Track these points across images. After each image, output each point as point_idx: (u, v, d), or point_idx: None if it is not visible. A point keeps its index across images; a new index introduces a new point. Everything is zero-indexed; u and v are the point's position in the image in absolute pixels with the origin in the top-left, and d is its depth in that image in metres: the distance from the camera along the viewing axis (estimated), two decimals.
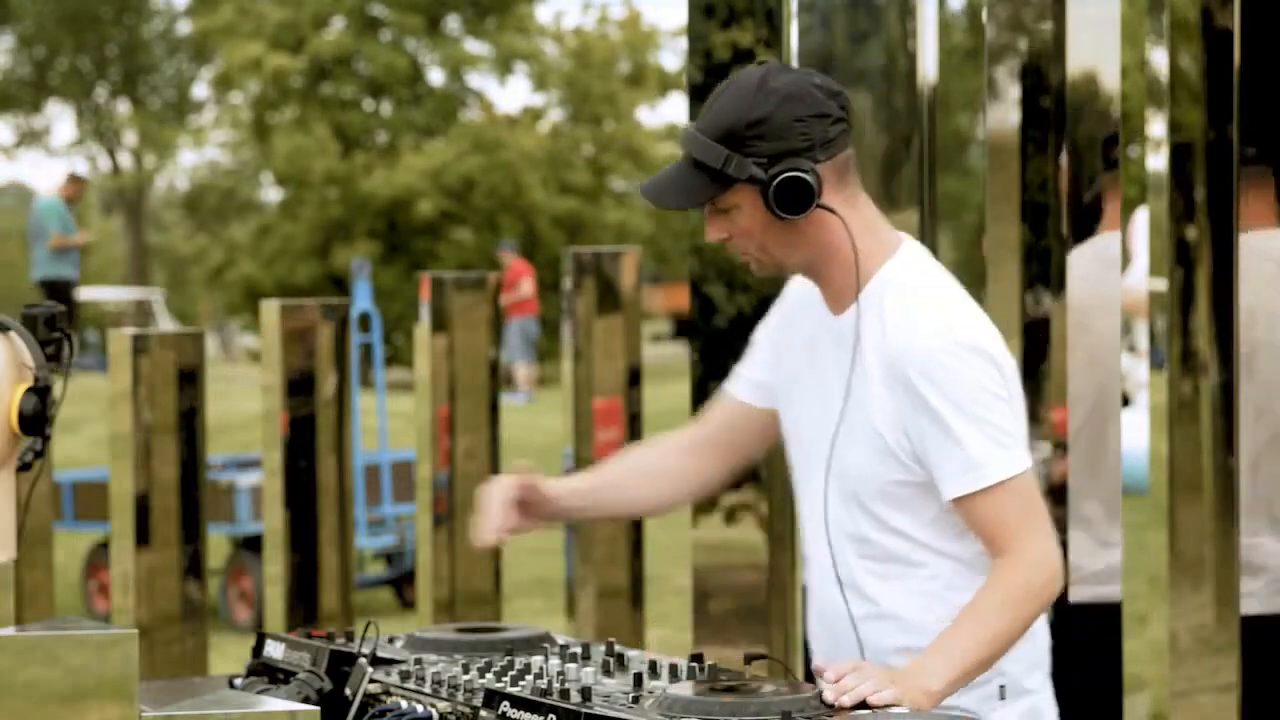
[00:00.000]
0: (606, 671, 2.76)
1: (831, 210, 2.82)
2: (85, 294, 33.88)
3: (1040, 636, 2.97)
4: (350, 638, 3.01)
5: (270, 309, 5.14)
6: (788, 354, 3.02)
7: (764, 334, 3.11)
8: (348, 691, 2.84)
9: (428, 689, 2.74)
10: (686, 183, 2.82)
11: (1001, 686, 2.87)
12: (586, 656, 2.86)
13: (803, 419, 2.96)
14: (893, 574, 2.88)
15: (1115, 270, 4.12)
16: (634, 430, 5.50)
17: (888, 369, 2.81)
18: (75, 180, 16.95)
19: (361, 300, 10.74)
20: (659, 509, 3.22)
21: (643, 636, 5.61)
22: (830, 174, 2.81)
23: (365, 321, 10.70)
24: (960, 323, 2.83)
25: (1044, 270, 4.07)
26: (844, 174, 2.85)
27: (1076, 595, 4.05)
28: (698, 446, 3.16)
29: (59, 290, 15.59)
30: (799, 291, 3.03)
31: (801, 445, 2.97)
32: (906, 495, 2.85)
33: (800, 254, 2.87)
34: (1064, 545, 4.08)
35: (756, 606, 4.39)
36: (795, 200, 2.78)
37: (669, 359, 25.04)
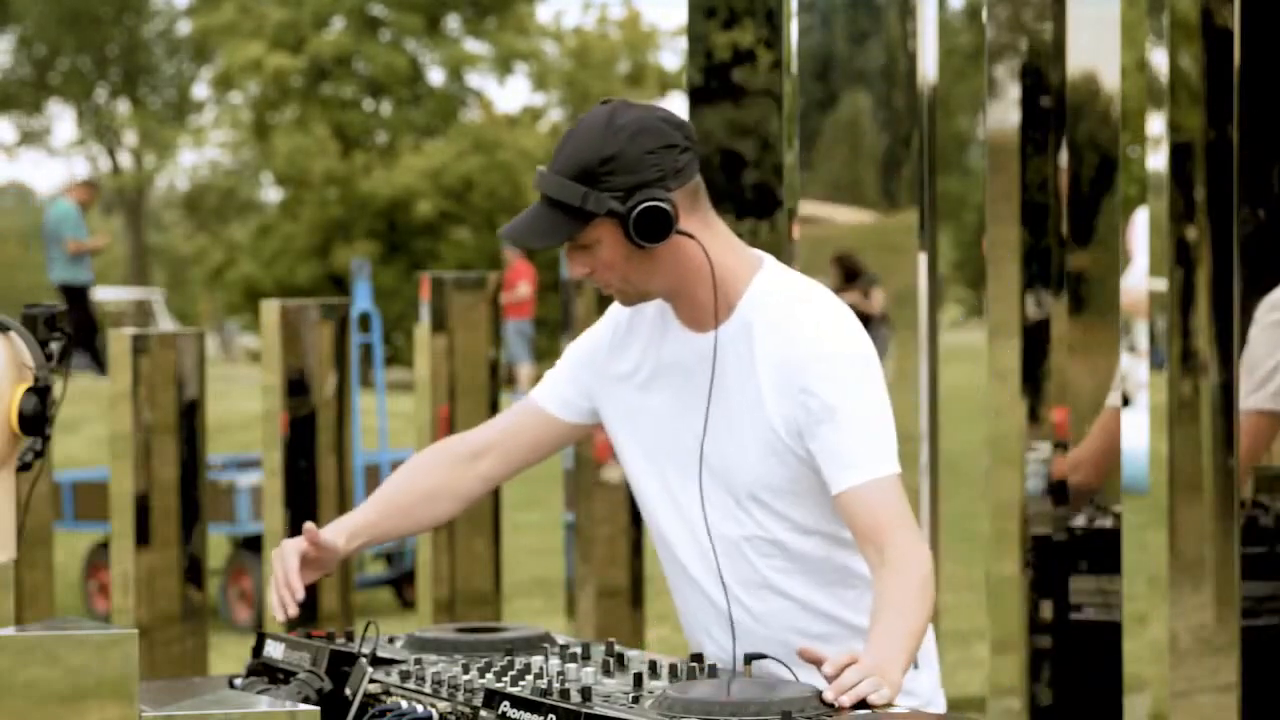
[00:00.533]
0: (606, 671, 2.76)
1: (689, 235, 2.92)
2: None
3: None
4: (350, 638, 3.01)
5: (270, 309, 5.14)
6: (621, 381, 3.10)
7: (580, 354, 3.19)
8: (348, 691, 2.84)
9: (428, 689, 2.74)
10: (546, 223, 2.92)
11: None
12: (586, 656, 2.86)
13: (674, 438, 3.02)
14: (799, 569, 2.99)
15: (1115, 270, 4.12)
16: None
17: (782, 374, 2.90)
18: (87, 185, 16.78)
19: (361, 300, 10.74)
20: (441, 523, 3.37)
21: (643, 636, 5.62)
22: (684, 200, 2.92)
23: (365, 321, 10.69)
24: (855, 333, 2.95)
25: (1044, 270, 4.07)
26: (696, 199, 2.95)
27: (1076, 596, 4.05)
28: (477, 453, 3.23)
29: (76, 294, 15.47)
30: (626, 315, 3.13)
31: (671, 462, 3.03)
32: (805, 490, 2.94)
33: (660, 280, 2.96)
34: (1064, 543, 4.09)
35: None
36: (654, 229, 2.88)
37: None
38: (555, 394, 3.19)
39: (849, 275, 4.46)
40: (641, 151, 2.87)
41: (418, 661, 2.86)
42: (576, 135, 2.92)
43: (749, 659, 2.85)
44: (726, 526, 2.99)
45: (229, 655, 7.15)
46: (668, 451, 3.04)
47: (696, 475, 2.99)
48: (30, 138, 44.01)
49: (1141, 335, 11.44)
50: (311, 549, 3.11)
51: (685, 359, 3.01)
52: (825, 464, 2.89)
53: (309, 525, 3.11)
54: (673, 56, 30.73)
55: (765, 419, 2.92)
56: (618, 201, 2.87)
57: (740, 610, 3.01)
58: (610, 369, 3.11)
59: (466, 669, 2.80)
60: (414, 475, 3.24)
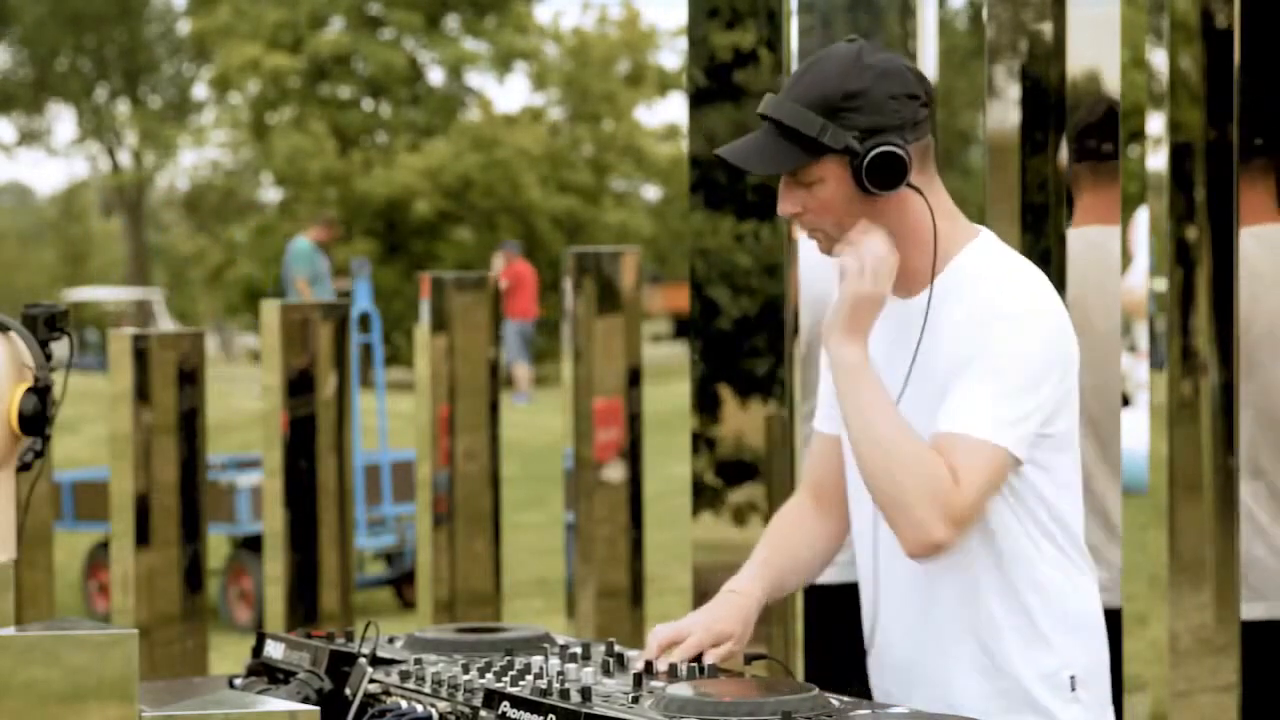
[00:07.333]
0: (606, 671, 2.76)
1: (918, 190, 2.81)
2: (85, 294, 33.99)
3: (1101, 641, 2.95)
4: (350, 638, 3.01)
5: (270, 309, 5.14)
6: None
7: (823, 356, 3.03)
8: (348, 691, 2.84)
9: (428, 689, 2.74)
10: (775, 149, 2.79)
11: (1072, 678, 2.86)
12: (586, 656, 2.86)
13: None
14: (953, 563, 2.83)
15: (1115, 270, 4.12)
16: (634, 430, 5.50)
17: (963, 342, 2.78)
18: (326, 224, 16.05)
19: (361, 300, 10.75)
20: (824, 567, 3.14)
21: (643, 636, 5.61)
22: (916, 155, 2.80)
23: (365, 321, 10.70)
24: (1046, 312, 2.82)
25: (1044, 270, 4.06)
26: (926, 158, 2.84)
27: None
28: (817, 498, 3.06)
29: None
30: None
31: None
32: None
33: None
34: None
35: None
36: (887, 176, 2.76)
37: (669, 359, 25.06)
38: (823, 414, 3.05)
39: None
40: (886, 94, 2.76)
41: (418, 661, 2.86)
42: (819, 66, 2.79)
43: (749, 659, 2.85)
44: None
45: (229, 655, 7.15)
46: None
47: None
48: (30, 138, 44.04)
49: (1142, 335, 11.44)
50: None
51: (884, 326, 2.86)
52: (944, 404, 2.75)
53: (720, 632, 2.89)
54: (673, 56, 30.74)
55: (942, 391, 2.78)
56: (855, 140, 2.75)
57: (892, 592, 2.88)
58: None
59: (466, 669, 2.80)
60: (789, 536, 3.04)
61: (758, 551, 3.02)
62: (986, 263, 2.86)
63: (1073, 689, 2.86)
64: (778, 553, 3.01)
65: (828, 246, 2.87)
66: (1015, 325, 2.77)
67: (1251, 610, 3.92)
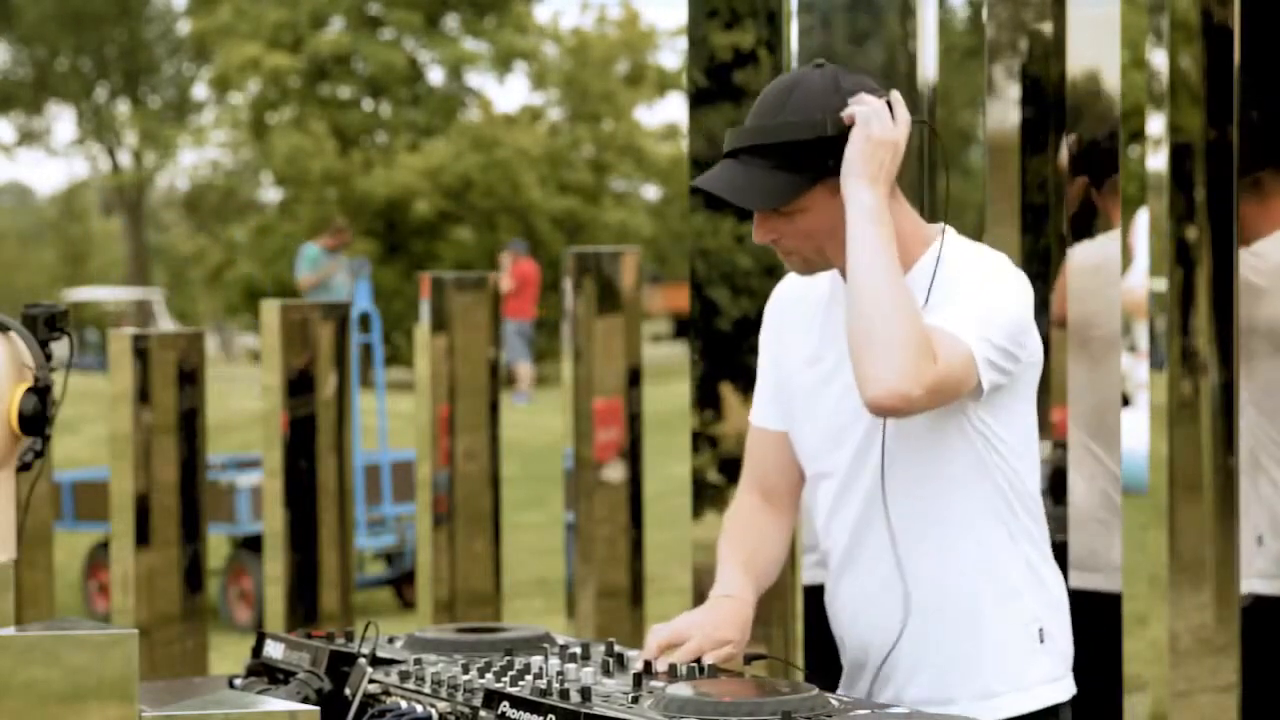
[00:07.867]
0: (606, 671, 2.76)
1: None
2: (85, 294, 34.01)
3: (1060, 589, 2.97)
4: (350, 638, 3.01)
5: (270, 309, 5.14)
6: (791, 353, 2.99)
7: (765, 360, 3.07)
8: (348, 691, 2.84)
9: (428, 689, 2.74)
10: (770, 183, 2.80)
11: (1040, 630, 2.89)
12: (586, 656, 2.86)
13: (838, 400, 2.90)
14: (956, 560, 2.87)
15: (1115, 270, 4.12)
16: (634, 430, 5.50)
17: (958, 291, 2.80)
18: (337, 230, 15.76)
19: (361, 300, 10.75)
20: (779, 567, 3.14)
21: (643, 636, 5.61)
22: None
23: (365, 321, 10.70)
24: (1012, 278, 2.84)
25: (1044, 270, 4.07)
26: None
27: (1075, 595, 4.05)
28: (766, 497, 3.08)
29: None
30: (783, 295, 3.04)
31: (837, 426, 2.91)
32: (969, 468, 2.85)
33: None
34: (1064, 544, 4.09)
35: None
36: None
37: (669, 359, 25.07)
38: (766, 411, 3.05)
39: None
40: None
41: (418, 661, 2.86)
42: (799, 95, 2.80)
43: (749, 659, 2.85)
44: (893, 489, 2.86)
45: (229, 655, 7.15)
46: (833, 417, 2.90)
47: (865, 439, 2.86)
48: (30, 138, 44.05)
49: (1142, 335, 11.45)
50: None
51: (842, 326, 2.85)
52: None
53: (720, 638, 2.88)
54: (672, 56, 30.75)
55: None
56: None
57: (914, 590, 2.88)
58: (789, 355, 2.99)
59: (466, 669, 2.80)
60: (749, 542, 3.04)
61: (733, 554, 3.01)
62: (963, 250, 2.88)
63: (1041, 641, 2.89)
64: (753, 556, 3.01)
65: (805, 269, 2.89)
66: (1006, 290, 2.80)
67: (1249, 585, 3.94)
